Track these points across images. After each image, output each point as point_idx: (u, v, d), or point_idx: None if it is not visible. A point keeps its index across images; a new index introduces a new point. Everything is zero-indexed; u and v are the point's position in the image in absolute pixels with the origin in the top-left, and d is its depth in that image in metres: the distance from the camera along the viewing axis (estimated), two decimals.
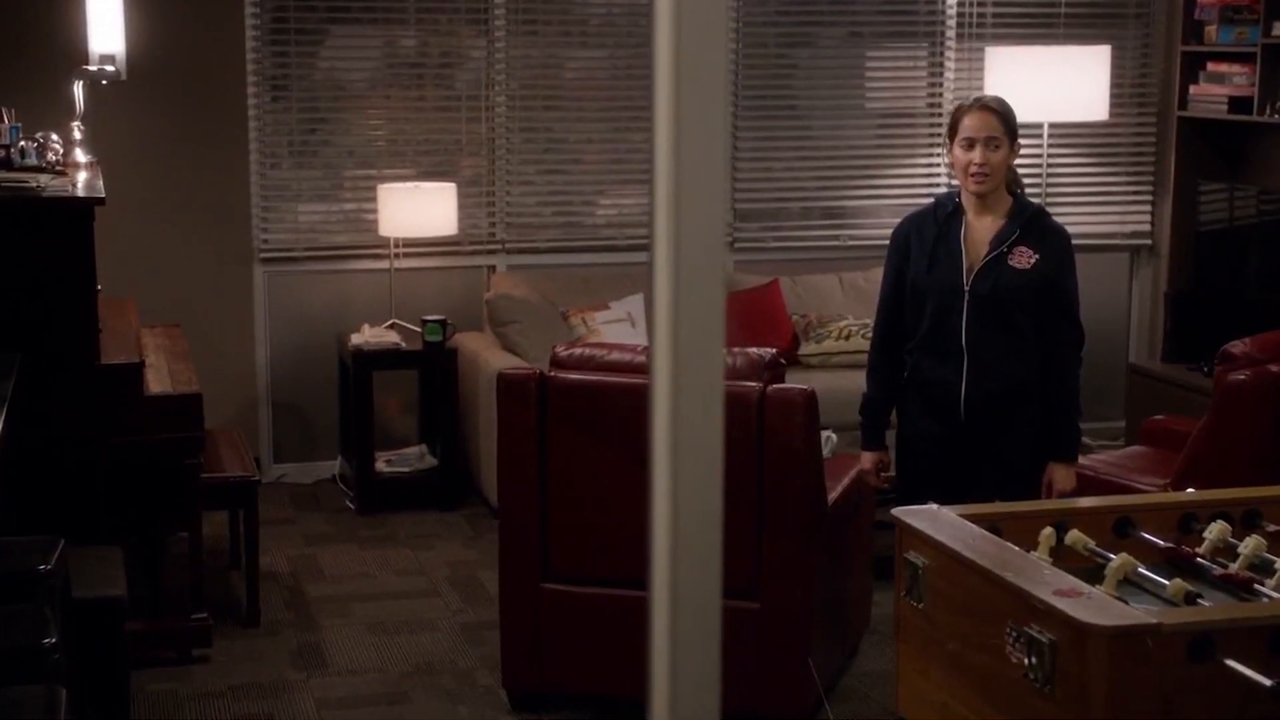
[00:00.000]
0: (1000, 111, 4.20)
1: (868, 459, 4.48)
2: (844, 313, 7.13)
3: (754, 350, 4.53)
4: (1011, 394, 4.18)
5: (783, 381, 4.51)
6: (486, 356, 6.49)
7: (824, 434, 5.40)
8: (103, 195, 4.86)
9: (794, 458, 4.34)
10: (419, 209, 6.72)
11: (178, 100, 6.75)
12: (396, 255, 6.88)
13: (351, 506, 6.61)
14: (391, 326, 6.76)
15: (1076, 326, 4.25)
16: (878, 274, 7.32)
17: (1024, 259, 4.15)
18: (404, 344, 6.63)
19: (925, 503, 3.65)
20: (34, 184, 4.78)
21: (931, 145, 7.67)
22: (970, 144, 4.15)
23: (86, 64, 6.29)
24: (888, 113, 7.75)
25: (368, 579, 5.79)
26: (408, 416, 7.10)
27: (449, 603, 5.54)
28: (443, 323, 6.60)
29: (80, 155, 5.77)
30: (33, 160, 5.04)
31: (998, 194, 4.23)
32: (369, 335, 6.62)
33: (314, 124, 7.09)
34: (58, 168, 5.33)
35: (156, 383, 5.03)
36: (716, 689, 1.84)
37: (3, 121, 5.41)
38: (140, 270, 6.60)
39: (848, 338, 6.91)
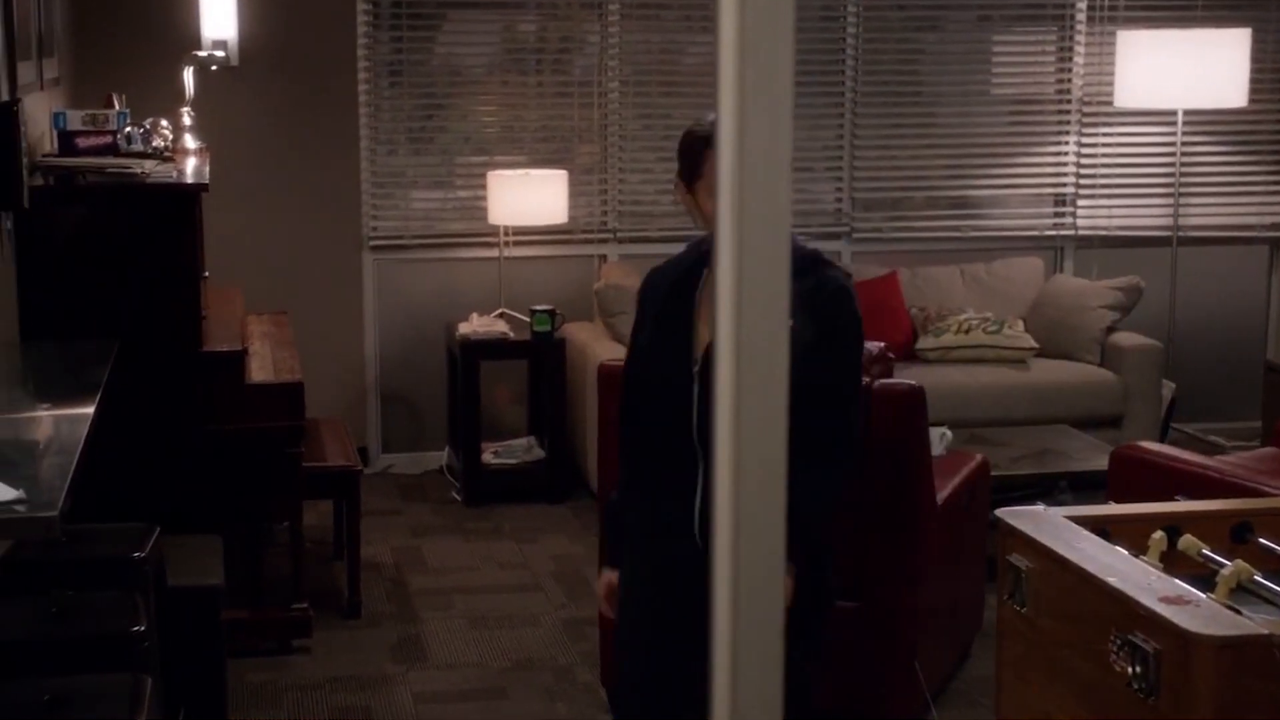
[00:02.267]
0: None
1: (604, 581, 3.42)
2: (964, 306, 7.04)
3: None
4: None
5: (891, 376, 4.46)
6: (595, 347, 6.51)
7: (938, 430, 5.35)
8: (206, 181, 4.94)
9: (901, 454, 4.30)
10: (529, 197, 6.75)
11: (288, 86, 6.84)
12: (506, 244, 6.92)
13: (458, 498, 6.67)
14: (500, 316, 6.80)
15: (842, 421, 3.18)
16: (1002, 266, 7.28)
17: None
18: (512, 334, 6.67)
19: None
20: (139, 170, 4.87)
21: (1060, 133, 7.55)
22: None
23: (198, 50, 6.41)
24: (1015, 99, 7.65)
25: (470, 572, 5.84)
26: (516, 407, 7.14)
27: (552, 597, 5.56)
28: (551, 313, 6.63)
29: (189, 141, 5.87)
30: (139, 146, 5.13)
31: None
32: (477, 325, 6.67)
33: (430, 110, 7.17)
34: (166, 154, 5.43)
35: (259, 371, 5.11)
36: (778, 691, 1.82)
37: (112, 107, 5.52)
38: (249, 258, 6.71)
39: (968, 331, 6.83)
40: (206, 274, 5.78)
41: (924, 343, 6.88)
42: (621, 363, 4.66)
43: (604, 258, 7.24)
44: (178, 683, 4.01)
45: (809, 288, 3.09)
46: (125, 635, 3.27)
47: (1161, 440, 6.37)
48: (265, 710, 4.61)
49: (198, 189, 4.85)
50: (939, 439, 5.36)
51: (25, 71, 5.06)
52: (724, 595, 1.88)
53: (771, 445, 1.90)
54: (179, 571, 4.17)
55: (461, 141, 7.22)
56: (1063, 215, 7.63)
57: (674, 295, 3.20)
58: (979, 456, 5.03)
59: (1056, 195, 7.63)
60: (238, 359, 4.90)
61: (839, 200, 7.52)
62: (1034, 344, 6.83)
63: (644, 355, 3.27)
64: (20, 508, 2.43)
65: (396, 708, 4.66)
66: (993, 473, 5.16)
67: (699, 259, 3.18)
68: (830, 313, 3.14)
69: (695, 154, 3.16)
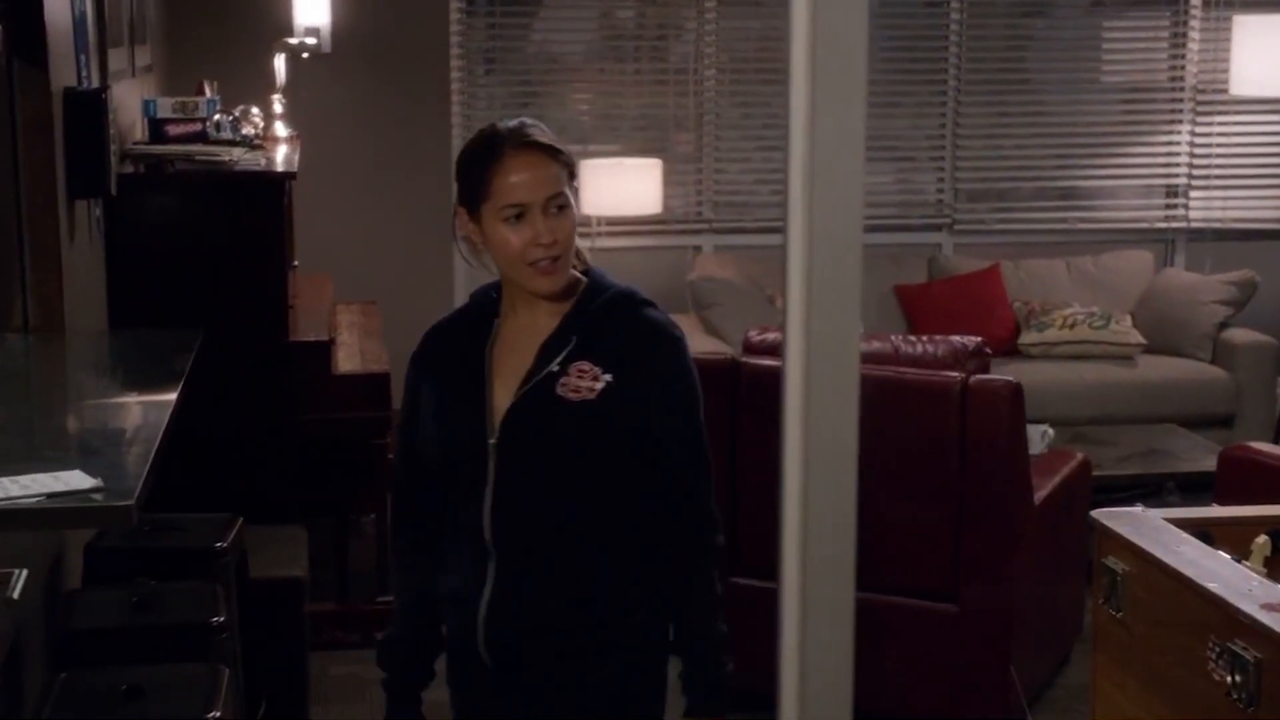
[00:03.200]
0: (555, 147, 2.57)
1: None
2: (1070, 300, 6.95)
3: (957, 338, 4.45)
4: (571, 619, 2.54)
5: (988, 372, 4.41)
6: (689, 340, 6.48)
7: (1039, 428, 5.29)
8: (294, 169, 4.98)
9: (997, 453, 4.25)
10: (622, 186, 6.75)
11: (380, 73, 6.89)
12: (598, 234, 6.92)
13: None
14: None
15: (696, 502, 2.57)
16: (1110, 260, 7.17)
17: (583, 383, 2.51)
18: None
19: None
20: (227, 158, 4.93)
21: (1173, 122, 7.43)
22: (520, 213, 2.48)
23: (290, 37, 6.47)
24: (1126, 87, 7.54)
25: None
26: None
27: None
28: None
29: (280, 129, 5.93)
30: (228, 134, 5.19)
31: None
32: None
33: (525, 98, 7.20)
34: (256, 141, 5.48)
35: (347, 361, 5.16)
36: (849, 690, 1.80)
37: (204, 94, 5.59)
38: (339, 246, 6.77)
39: (1073, 326, 6.73)
40: (296, 263, 5.85)
41: (1027, 338, 6.80)
42: (712, 356, 4.68)
43: (698, 249, 7.22)
44: (259, 675, 4.05)
45: (630, 337, 2.53)
46: (204, 626, 3.31)
47: (1275, 441, 6.25)
48: (347, 705, 4.65)
49: (285, 177, 4.90)
50: (1040, 437, 5.30)
51: (116, 59, 5.13)
52: (792, 592, 1.86)
53: (842, 450, 1.87)
54: (262, 563, 4.22)
55: (556, 130, 7.21)
56: (1174, 207, 7.51)
57: (461, 358, 2.57)
58: (1079, 456, 4.96)
59: (1168, 186, 7.51)
60: (324, 349, 4.94)
61: (941, 191, 7.45)
62: (1142, 340, 6.73)
63: (425, 434, 2.58)
64: (98, 496, 2.46)
65: None
66: (1096, 473, 5.09)
67: (484, 311, 2.62)
68: (661, 358, 2.55)
69: (480, 170, 2.50)
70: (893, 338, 4.56)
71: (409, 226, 6.97)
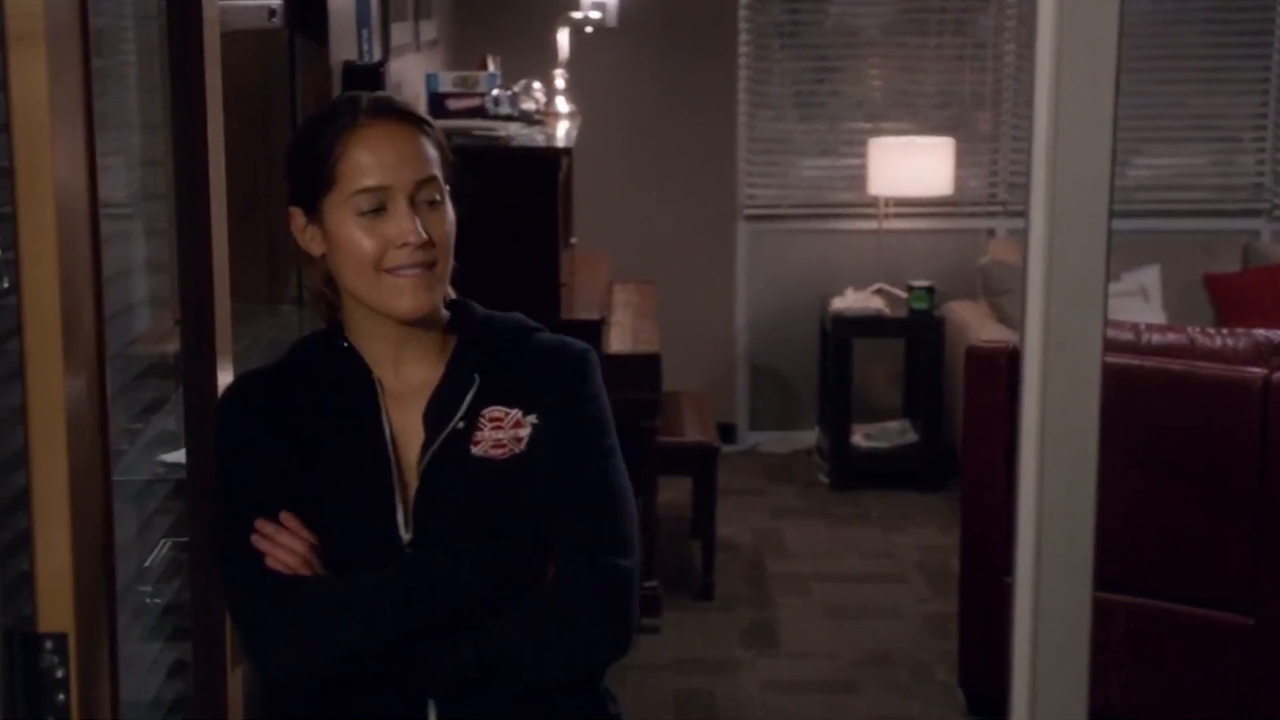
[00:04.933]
0: (424, 119, 2.07)
1: None
2: None
3: (1261, 332, 4.26)
4: None
5: None
6: (977, 328, 6.38)
7: None
8: (570, 145, 5.05)
9: None
10: (912, 166, 6.66)
11: (666, 48, 6.94)
12: (886, 215, 6.85)
13: (825, 481, 6.65)
14: (877, 292, 6.74)
15: (611, 537, 2.02)
16: None
17: (503, 434, 2.01)
18: (888, 311, 6.60)
19: None
20: (503, 133, 5.02)
21: None
22: (379, 203, 1.97)
23: (575, 10, 6.56)
24: None
25: (832, 558, 5.82)
26: (890, 388, 7.07)
27: (915, 590, 5.49)
28: (930, 289, 6.53)
29: (561, 104, 6.02)
30: (506, 109, 5.29)
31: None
32: (852, 300, 6.63)
33: (821, 73, 7.17)
34: (536, 116, 5.58)
35: (618, 341, 5.21)
36: (1083, 692, 1.75)
37: (486, 69, 5.72)
38: (618, 224, 6.84)
39: None
40: (574, 240, 5.93)
41: None
42: (991, 345, 4.58)
43: (991, 232, 7.09)
44: None
45: (546, 365, 2.06)
46: None
47: None
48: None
49: (560, 153, 4.97)
50: None
51: (400, 32, 5.28)
52: (1025, 595, 1.81)
53: (1080, 433, 1.81)
54: None
55: (852, 107, 7.18)
56: None
57: (337, 429, 2.00)
58: None
59: None
60: (595, 328, 5.00)
61: (1260, 174, 7.15)
62: None
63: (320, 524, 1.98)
64: None
65: (742, 695, 4.69)
66: None
67: (342, 356, 2.03)
68: (577, 381, 2.06)
69: (322, 148, 1.98)
70: (1189, 330, 4.39)
71: (690, 205, 7.01)
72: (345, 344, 2.03)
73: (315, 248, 2.02)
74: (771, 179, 7.12)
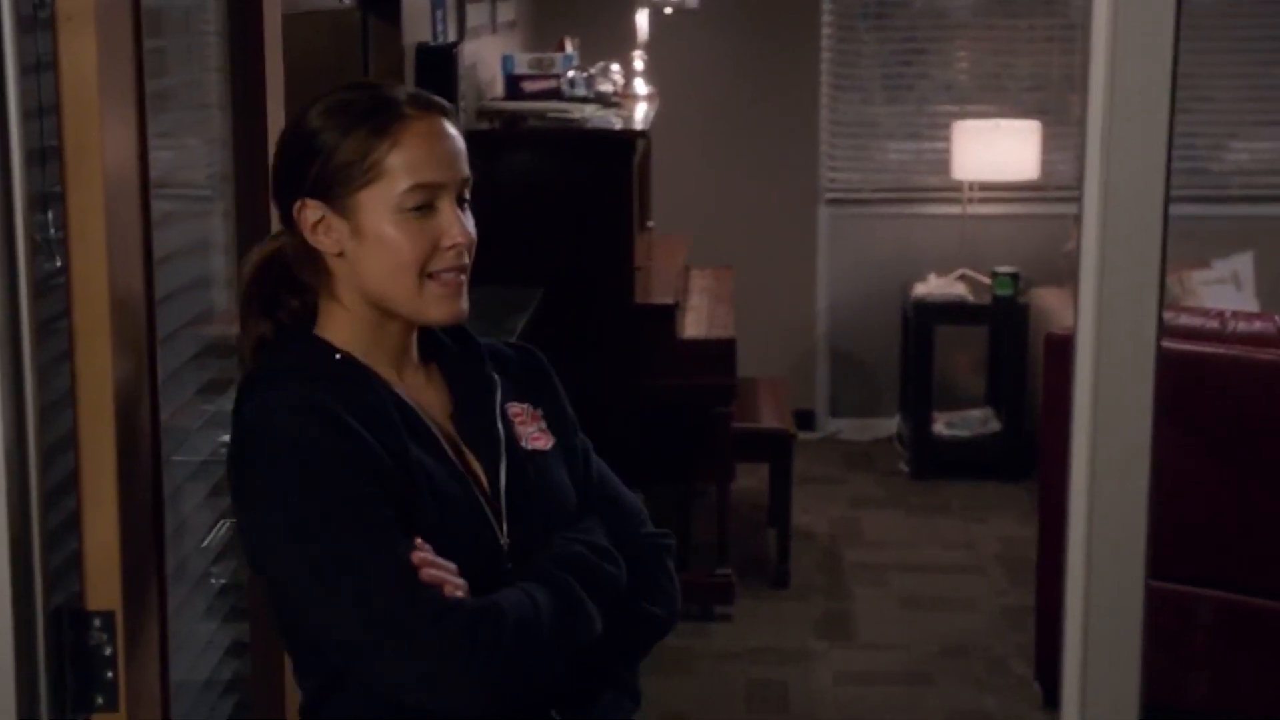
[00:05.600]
0: (456, 115, 1.99)
1: None
2: None
3: None
4: None
5: None
6: (1062, 315, 6.31)
7: None
8: (645, 128, 5.06)
9: None
10: (997, 149, 6.61)
11: (747, 30, 6.92)
12: (970, 200, 6.80)
13: (905, 470, 6.62)
14: (960, 278, 6.69)
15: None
16: None
17: (532, 426, 2.04)
18: (971, 297, 6.55)
19: None
20: (577, 115, 5.03)
21: None
22: (428, 200, 1.89)
23: None
24: None
25: (910, 548, 5.79)
26: (973, 376, 7.02)
27: (994, 582, 5.46)
28: (1015, 276, 6.47)
29: (640, 86, 6.03)
30: (581, 91, 5.30)
31: None
32: (934, 286, 6.59)
33: (908, 55, 7.12)
34: (613, 99, 5.59)
35: (693, 326, 5.21)
36: (1135, 684, 1.73)
37: (563, 51, 5.73)
38: (697, 208, 6.84)
39: None
40: (652, 224, 5.94)
41: None
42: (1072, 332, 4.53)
43: (1079, 218, 7.00)
44: None
45: (525, 362, 2.10)
46: None
47: None
48: (678, 677, 4.72)
49: (634, 136, 4.98)
50: None
51: (476, 14, 5.31)
52: (1076, 581, 1.80)
53: (1134, 421, 1.79)
54: None
55: (940, 89, 7.13)
56: None
57: (398, 446, 1.87)
58: None
59: None
60: (669, 313, 5.00)
61: None
62: None
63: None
64: None
65: (814, 686, 4.68)
66: None
67: (360, 376, 1.91)
68: (548, 374, 2.12)
69: (365, 141, 1.88)
70: (1278, 318, 4.33)
71: (771, 189, 6.99)
72: (339, 355, 1.92)
73: (330, 246, 1.91)
74: (854, 163, 7.09)
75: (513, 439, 1.99)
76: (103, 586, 1.81)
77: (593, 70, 5.56)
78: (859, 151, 7.10)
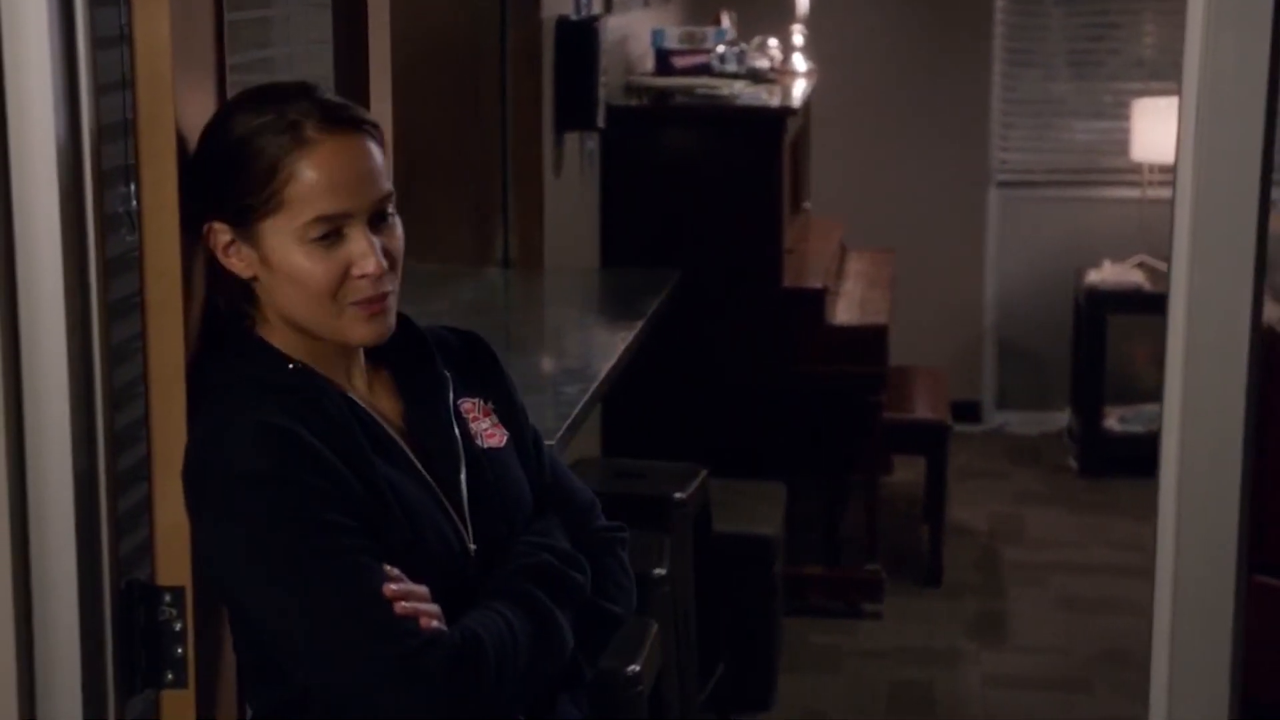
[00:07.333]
0: (372, 122, 1.90)
1: None
2: None
3: None
4: None
5: None
6: None
7: None
8: (795, 105, 5.03)
9: None
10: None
11: (914, 4, 6.84)
12: (1150, 183, 6.66)
13: (1074, 465, 6.51)
14: (1138, 265, 6.56)
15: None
16: None
17: (484, 422, 2.03)
18: (1148, 285, 6.42)
19: None
20: (727, 91, 5.03)
21: None
22: (335, 228, 1.83)
23: None
24: None
25: (1074, 548, 5.70)
26: (1150, 368, 6.87)
27: None
28: None
29: (798, 62, 5.99)
30: (732, 66, 5.29)
31: None
32: (1109, 273, 6.47)
33: (1097, 30, 6.99)
34: (768, 74, 5.57)
35: (844, 311, 5.18)
36: (1225, 677, 1.69)
37: (718, 25, 5.72)
38: (858, 189, 6.78)
39: None
40: (807, 205, 5.91)
41: None
42: None
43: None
44: (719, 636, 4.14)
45: (473, 355, 2.07)
46: (643, 577, 3.39)
47: None
48: (821, 674, 4.70)
49: (784, 113, 4.95)
50: None
51: None
52: (1165, 573, 1.75)
53: (1227, 407, 1.74)
54: (731, 517, 4.30)
55: (1130, 65, 6.99)
56: None
57: (361, 457, 1.84)
58: None
59: None
60: (818, 297, 4.97)
61: None
62: None
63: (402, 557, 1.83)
64: None
65: (961, 689, 4.63)
66: None
67: (319, 390, 1.87)
68: (500, 368, 2.09)
69: (266, 163, 1.81)
70: None
71: (936, 170, 6.91)
72: (292, 365, 1.88)
73: (242, 270, 1.86)
74: (1026, 143, 6.98)
75: (468, 438, 1.98)
76: (173, 562, 1.86)
77: (748, 45, 5.55)
78: (1032, 131, 6.98)
